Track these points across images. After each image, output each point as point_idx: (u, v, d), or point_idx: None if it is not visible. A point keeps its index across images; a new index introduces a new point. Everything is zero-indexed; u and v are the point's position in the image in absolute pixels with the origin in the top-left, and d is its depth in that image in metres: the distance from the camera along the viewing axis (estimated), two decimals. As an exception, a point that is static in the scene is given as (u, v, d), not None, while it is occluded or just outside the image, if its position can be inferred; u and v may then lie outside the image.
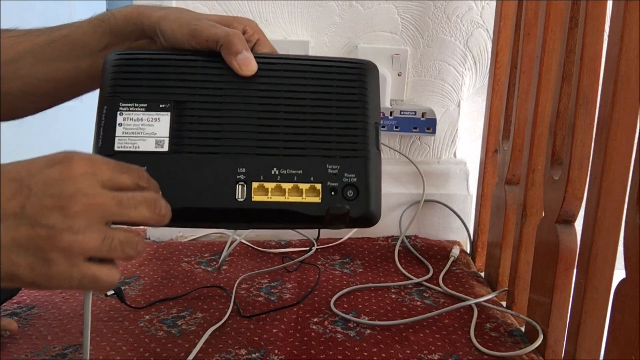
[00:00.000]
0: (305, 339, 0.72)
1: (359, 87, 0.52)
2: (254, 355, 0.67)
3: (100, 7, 2.11)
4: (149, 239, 1.06)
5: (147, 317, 0.76)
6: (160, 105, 0.49)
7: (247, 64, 0.50)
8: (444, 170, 1.07)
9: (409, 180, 1.06)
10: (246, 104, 0.50)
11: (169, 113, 0.49)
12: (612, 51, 0.56)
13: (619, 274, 0.55)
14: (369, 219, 0.49)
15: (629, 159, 0.56)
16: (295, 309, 0.79)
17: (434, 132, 1.04)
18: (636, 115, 0.56)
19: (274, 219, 0.49)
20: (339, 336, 0.72)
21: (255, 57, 0.51)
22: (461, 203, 1.06)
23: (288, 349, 0.69)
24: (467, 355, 0.69)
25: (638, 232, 0.51)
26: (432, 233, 1.06)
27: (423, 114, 1.03)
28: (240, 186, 0.48)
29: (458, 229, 1.06)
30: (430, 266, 0.93)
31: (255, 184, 0.48)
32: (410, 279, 0.89)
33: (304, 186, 0.48)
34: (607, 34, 0.58)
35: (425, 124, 1.03)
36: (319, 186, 0.48)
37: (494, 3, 0.96)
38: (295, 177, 0.48)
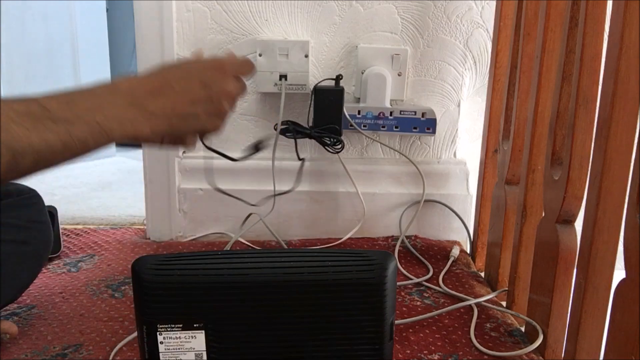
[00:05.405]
0: (305, 339, 0.72)
1: (377, 296, 0.54)
2: (254, 355, 0.67)
3: (100, 7, 2.11)
4: (149, 239, 1.06)
5: (147, 317, 0.76)
6: (194, 325, 0.54)
7: None
8: (444, 170, 1.07)
9: (409, 180, 1.06)
10: (269, 323, 0.54)
11: (203, 331, 0.54)
12: (612, 51, 0.56)
13: (619, 274, 0.55)
14: None
15: (629, 159, 0.56)
16: (295, 309, 0.79)
17: (434, 132, 1.04)
18: (636, 115, 0.56)
19: None
20: (339, 336, 0.72)
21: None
22: (461, 203, 1.06)
23: (288, 349, 0.69)
24: (467, 355, 0.69)
25: (638, 232, 0.51)
26: (432, 233, 1.07)
27: (423, 114, 1.03)
28: None
29: (458, 229, 1.06)
30: (430, 266, 0.93)
31: None
32: (410, 279, 0.89)
33: None
34: (607, 34, 0.58)
35: (425, 124, 1.03)
36: None
37: (494, 3, 0.96)
38: None
